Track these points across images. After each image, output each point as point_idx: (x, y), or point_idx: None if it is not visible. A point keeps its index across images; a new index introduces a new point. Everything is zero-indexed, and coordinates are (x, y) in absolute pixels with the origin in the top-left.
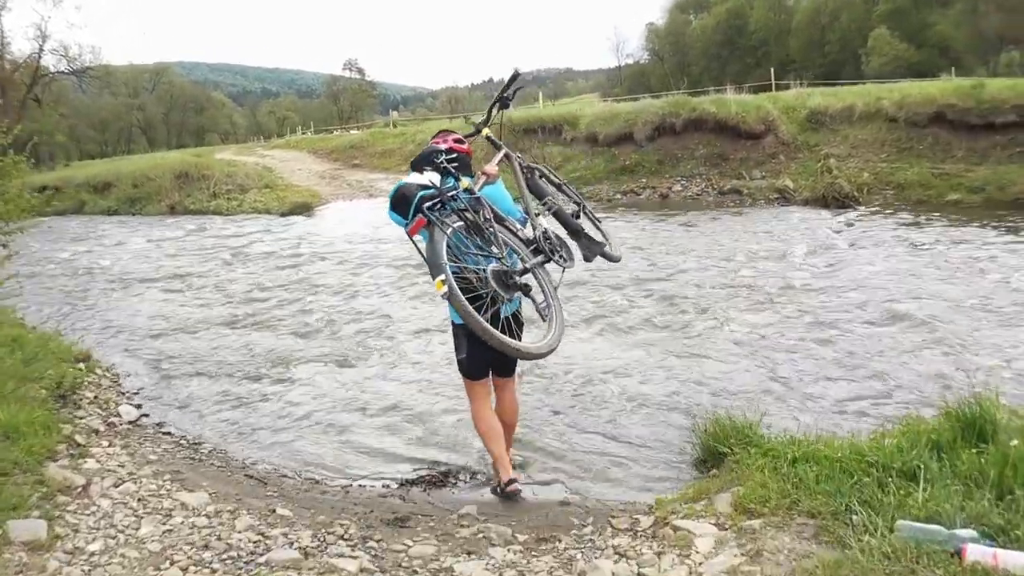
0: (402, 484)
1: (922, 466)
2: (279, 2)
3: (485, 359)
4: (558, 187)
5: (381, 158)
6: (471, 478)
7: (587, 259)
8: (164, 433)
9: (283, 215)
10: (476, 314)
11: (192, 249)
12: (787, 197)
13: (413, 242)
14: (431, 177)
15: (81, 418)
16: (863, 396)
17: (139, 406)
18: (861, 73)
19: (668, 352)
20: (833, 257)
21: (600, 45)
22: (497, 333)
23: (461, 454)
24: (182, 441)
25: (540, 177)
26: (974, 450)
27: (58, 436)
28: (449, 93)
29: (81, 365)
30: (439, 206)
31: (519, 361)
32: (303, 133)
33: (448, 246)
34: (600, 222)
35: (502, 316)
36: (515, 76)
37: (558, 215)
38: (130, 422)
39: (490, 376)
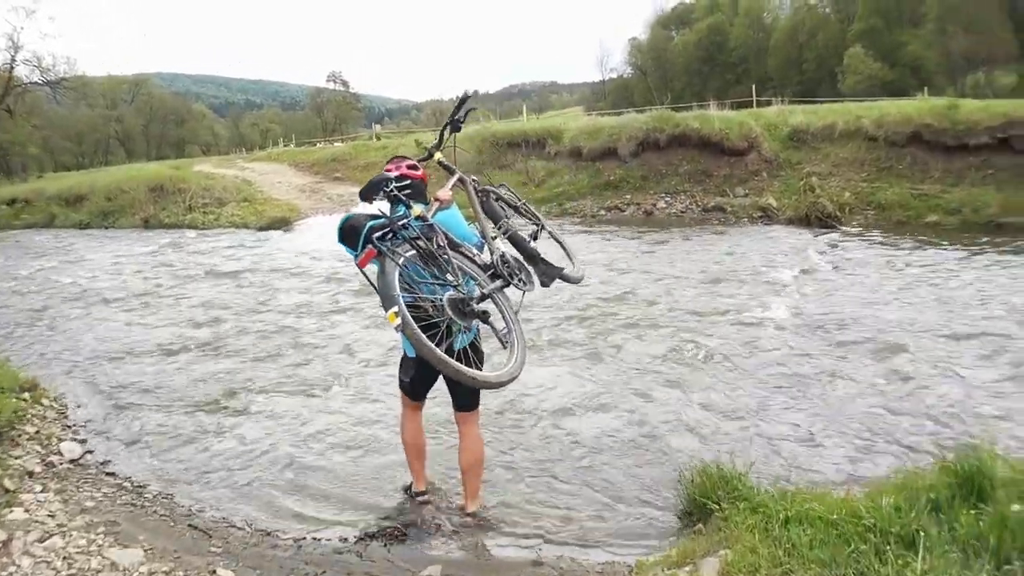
0: (361, 538)
1: (922, 532)
2: (264, 14)
3: (427, 383)
4: (515, 208)
5: (364, 171)
6: (437, 530)
7: (544, 284)
8: (107, 474)
9: (260, 229)
10: (431, 344)
11: (160, 265)
12: (770, 216)
13: (364, 273)
14: (380, 206)
15: (16, 457)
16: (855, 437)
17: (84, 441)
18: (838, 91)
19: (646, 385)
20: (818, 282)
21: (585, 59)
22: (454, 362)
23: (433, 507)
24: (126, 484)
25: (496, 200)
26: (973, 511)
27: None
28: (434, 106)
29: (26, 395)
30: (390, 235)
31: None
32: (285, 145)
33: (401, 276)
34: (564, 242)
35: (456, 348)
36: (465, 98)
37: (513, 238)
38: (71, 461)
39: (425, 399)
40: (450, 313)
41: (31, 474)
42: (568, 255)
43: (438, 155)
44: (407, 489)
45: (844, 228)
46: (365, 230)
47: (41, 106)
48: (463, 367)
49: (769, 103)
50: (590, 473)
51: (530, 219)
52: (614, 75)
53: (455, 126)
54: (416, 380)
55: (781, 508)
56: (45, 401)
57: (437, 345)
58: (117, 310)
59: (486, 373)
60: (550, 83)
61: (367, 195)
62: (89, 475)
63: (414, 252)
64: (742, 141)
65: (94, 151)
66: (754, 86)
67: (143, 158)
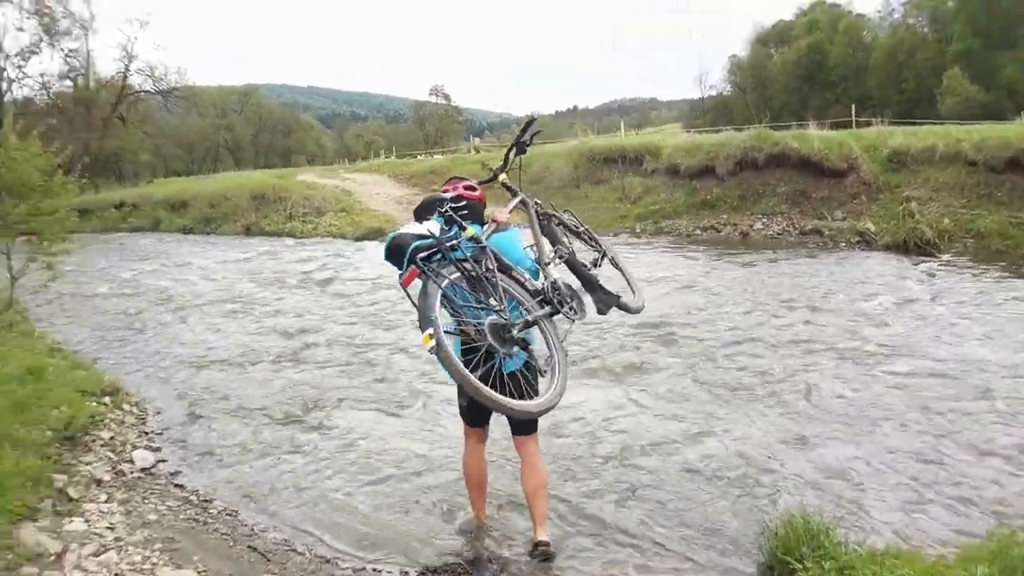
0: (423, 572)
1: None
2: (371, 29)
3: (485, 409)
4: (577, 235)
5: None
6: (502, 571)
7: (600, 312)
8: (176, 485)
9: (356, 240)
10: (465, 370)
11: (254, 273)
12: (868, 241)
13: (407, 292)
14: (431, 226)
15: (88, 464)
16: (948, 488)
17: (158, 449)
18: (936, 112)
19: (729, 418)
20: (917, 314)
21: (684, 75)
22: (487, 390)
23: (496, 539)
24: (192, 497)
25: (558, 224)
26: None
27: (47, 490)
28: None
29: (107, 399)
30: (438, 256)
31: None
32: (386, 157)
33: (445, 298)
34: (626, 270)
35: (506, 372)
36: (530, 121)
37: (570, 264)
38: (143, 469)
39: (488, 426)
40: (490, 339)
41: (99, 482)
42: (630, 284)
43: (503, 176)
44: (470, 523)
45: (942, 256)
46: (410, 250)
47: (153, 114)
48: (496, 395)
49: (868, 123)
50: (667, 515)
51: (592, 246)
52: (713, 92)
53: (521, 148)
54: (473, 405)
55: (870, 571)
56: (126, 406)
57: (475, 369)
58: (206, 316)
59: (523, 402)
60: (649, 99)
61: (421, 215)
62: (157, 486)
63: (459, 275)
64: (841, 162)
65: (203, 158)
66: (853, 106)
67: (250, 166)
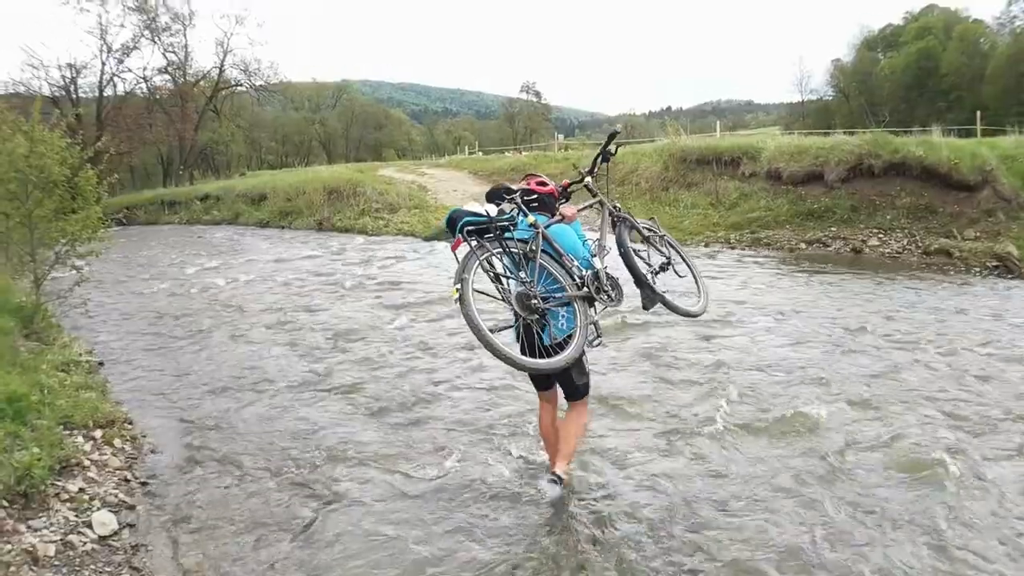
0: None
1: None
2: (466, 26)
3: (548, 377)
4: (646, 239)
5: None
6: None
7: (644, 307)
8: (132, 568)
9: (427, 239)
10: (479, 323)
11: (312, 274)
12: (1009, 267)
13: (455, 255)
14: (489, 208)
15: (36, 530)
16: None
17: (132, 508)
18: None
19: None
20: None
21: (783, 79)
22: (494, 340)
23: None
24: None
25: (630, 228)
26: None
27: None
28: (626, 120)
29: (99, 432)
30: (490, 234)
31: None
32: (471, 153)
33: (491, 264)
34: (697, 276)
35: (547, 342)
36: (614, 134)
37: (625, 258)
38: (101, 538)
39: (553, 390)
40: (515, 305)
41: (36, 561)
42: (698, 288)
43: (588, 179)
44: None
45: None
46: (460, 223)
47: (248, 108)
48: (507, 350)
49: (1003, 131)
50: None
51: (662, 252)
52: (813, 96)
53: (606, 156)
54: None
55: None
56: (117, 442)
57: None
58: (245, 325)
59: (532, 359)
60: (746, 102)
61: (490, 198)
62: (108, 568)
63: (500, 250)
64: (974, 174)
65: (297, 152)
66: (979, 113)
67: (342, 160)
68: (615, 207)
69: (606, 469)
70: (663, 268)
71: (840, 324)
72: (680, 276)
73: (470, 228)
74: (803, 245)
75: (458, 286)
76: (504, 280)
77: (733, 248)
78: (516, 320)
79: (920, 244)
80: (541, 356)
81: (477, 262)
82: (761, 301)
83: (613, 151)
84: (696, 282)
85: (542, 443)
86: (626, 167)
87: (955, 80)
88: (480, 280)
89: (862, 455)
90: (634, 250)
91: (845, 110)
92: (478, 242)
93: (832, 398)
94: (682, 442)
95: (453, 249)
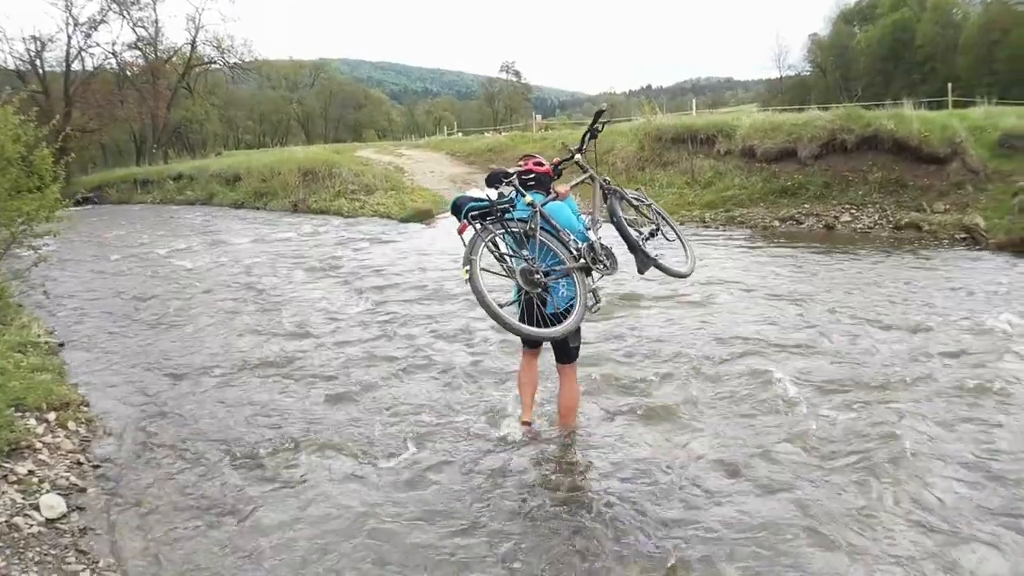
0: None
1: None
2: (446, 5)
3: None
4: (636, 208)
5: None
6: None
7: (640, 271)
8: (78, 551)
9: (403, 221)
10: (487, 297)
11: (284, 256)
12: (976, 238)
13: (462, 239)
14: (489, 192)
15: None
16: None
17: (83, 491)
18: None
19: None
20: None
21: (762, 55)
22: (502, 313)
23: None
24: (85, 572)
25: (620, 199)
26: None
27: None
28: (606, 99)
29: (52, 415)
30: (491, 216)
31: None
32: (448, 133)
33: (495, 245)
34: (683, 239)
35: (549, 312)
36: (600, 111)
37: (618, 227)
38: (48, 521)
39: (539, 348)
40: (520, 280)
41: None
42: (685, 252)
43: (578, 156)
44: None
45: None
46: (465, 208)
47: (222, 86)
48: (508, 318)
49: (973, 103)
50: None
51: (650, 219)
52: (791, 72)
53: (593, 134)
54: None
55: None
56: (71, 425)
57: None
58: (212, 308)
59: (536, 329)
60: (726, 79)
61: (490, 182)
62: (54, 551)
63: (503, 230)
64: (944, 146)
65: (274, 131)
66: (950, 85)
67: (320, 139)
68: (605, 181)
69: (576, 449)
70: (652, 234)
71: (808, 300)
72: (668, 240)
73: (474, 213)
74: (776, 223)
75: (467, 267)
76: (508, 259)
77: (708, 227)
78: (519, 293)
79: (891, 219)
80: (544, 326)
81: (483, 244)
82: (732, 279)
83: (600, 128)
84: (683, 245)
85: (516, 399)
86: (602, 147)
87: (930, 51)
88: (484, 260)
89: (829, 430)
90: (625, 219)
91: (822, 85)
92: (482, 225)
93: (800, 374)
94: (649, 423)
95: (459, 233)
